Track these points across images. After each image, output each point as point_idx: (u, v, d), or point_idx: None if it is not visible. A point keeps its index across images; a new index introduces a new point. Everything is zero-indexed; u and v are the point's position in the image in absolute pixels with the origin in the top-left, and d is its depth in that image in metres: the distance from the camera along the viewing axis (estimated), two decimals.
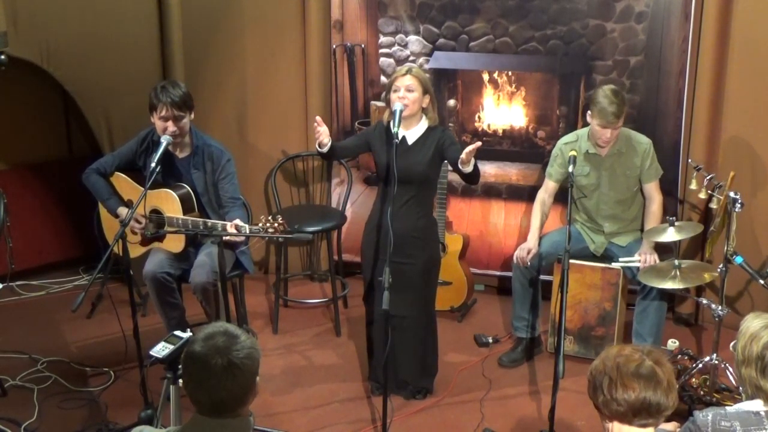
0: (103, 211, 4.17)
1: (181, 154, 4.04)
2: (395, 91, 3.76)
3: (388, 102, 3.85)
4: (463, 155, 3.55)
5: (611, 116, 4.01)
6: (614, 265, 4.27)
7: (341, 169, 5.28)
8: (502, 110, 5.03)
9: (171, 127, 3.87)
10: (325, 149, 3.79)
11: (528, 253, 4.26)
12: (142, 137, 4.07)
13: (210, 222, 3.76)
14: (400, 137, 3.67)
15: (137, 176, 4.08)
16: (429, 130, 3.86)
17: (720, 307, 3.81)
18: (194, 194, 4.00)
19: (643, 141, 4.25)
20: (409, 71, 3.77)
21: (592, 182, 4.28)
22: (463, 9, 4.90)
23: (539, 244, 4.33)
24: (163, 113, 3.86)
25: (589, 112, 4.13)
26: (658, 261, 4.12)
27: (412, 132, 3.85)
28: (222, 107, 5.20)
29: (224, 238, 3.62)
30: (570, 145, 4.24)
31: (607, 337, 4.34)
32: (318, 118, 3.77)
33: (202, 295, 3.92)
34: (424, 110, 3.84)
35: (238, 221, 3.65)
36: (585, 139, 4.25)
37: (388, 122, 3.85)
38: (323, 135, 3.74)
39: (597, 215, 4.34)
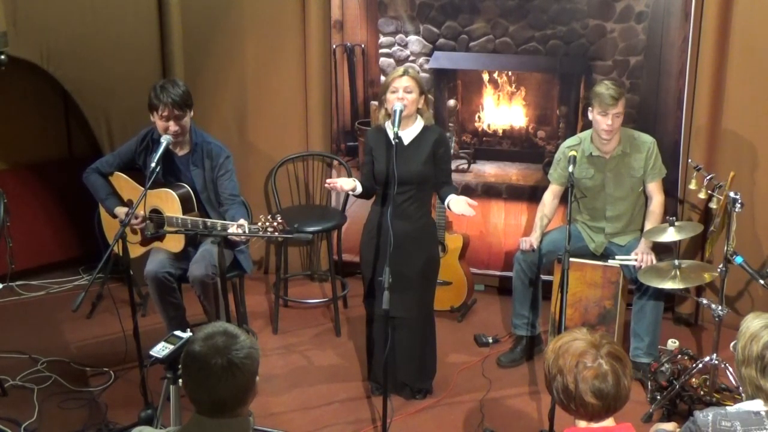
0: (103, 211, 4.18)
1: (180, 152, 4.04)
2: (393, 92, 3.76)
3: (380, 102, 3.85)
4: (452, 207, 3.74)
5: (609, 99, 4.04)
6: (611, 262, 4.27)
7: (341, 169, 5.28)
8: (502, 110, 5.03)
9: (173, 126, 3.87)
10: (359, 190, 3.90)
11: (529, 246, 4.28)
12: (141, 136, 4.08)
13: (209, 222, 3.76)
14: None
15: (137, 176, 4.08)
16: (425, 129, 3.87)
17: (720, 307, 3.80)
18: (194, 192, 4.01)
19: (647, 140, 4.25)
20: (405, 72, 3.77)
21: (597, 184, 4.28)
22: (463, 9, 4.90)
23: (540, 244, 4.34)
24: (165, 113, 3.85)
25: (589, 108, 4.15)
26: (654, 261, 4.12)
27: (407, 132, 3.85)
28: (222, 107, 5.20)
29: (228, 237, 3.63)
30: (572, 148, 4.22)
31: (608, 336, 4.33)
32: (328, 181, 3.89)
33: (201, 289, 3.92)
34: (419, 110, 3.84)
35: (241, 220, 3.65)
36: (588, 141, 4.25)
37: (383, 123, 3.87)
38: (341, 188, 3.85)
39: (601, 216, 4.34)
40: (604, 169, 4.25)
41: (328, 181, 3.91)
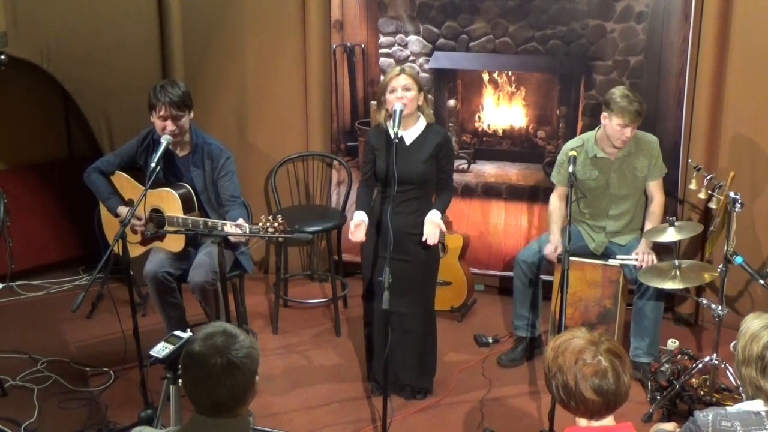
0: (103, 211, 4.18)
1: (181, 153, 4.05)
2: (392, 92, 3.75)
3: (380, 103, 3.85)
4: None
5: (634, 114, 3.98)
6: (611, 261, 4.27)
7: (341, 169, 5.28)
8: (502, 110, 5.03)
9: (170, 126, 3.88)
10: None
11: (555, 249, 4.26)
12: (142, 136, 4.08)
13: (210, 221, 3.76)
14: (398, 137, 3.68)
15: (138, 175, 4.08)
16: (428, 129, 3.87)
17: (720, 307, 3.80)
18: (194, 192, 4.01)
19: (651, 139, 4.24)
20: (402, 71, 3.77)
21: (600, 185, 4.26)
22: (463, 9, 4.90)
23: (540, 244, 4.36)
24: (162, 112, 3.86)
25: (603, 114, 4.08)
26: (655, 260, 4.12)
27: (410, 132, 3.85)
28: (222, 107, 5.20)
29: (228, 237, 3.63)
30: (575, 149, 4.17)
31: (607, 334, 4.33)
32: (351, 235, 3.87)
33: (201, 295, 3.93)
34: (419, 108, 3.84)
35: (241, 221, 3.65)
36: (592, 142, 4.22)
37: (385, 123, 3.87)
38: (363, 231, 3.86)
39: (604, 215, 4.33)
40: (609, 170, 4.23)
41: (351, 236, 3.89)
